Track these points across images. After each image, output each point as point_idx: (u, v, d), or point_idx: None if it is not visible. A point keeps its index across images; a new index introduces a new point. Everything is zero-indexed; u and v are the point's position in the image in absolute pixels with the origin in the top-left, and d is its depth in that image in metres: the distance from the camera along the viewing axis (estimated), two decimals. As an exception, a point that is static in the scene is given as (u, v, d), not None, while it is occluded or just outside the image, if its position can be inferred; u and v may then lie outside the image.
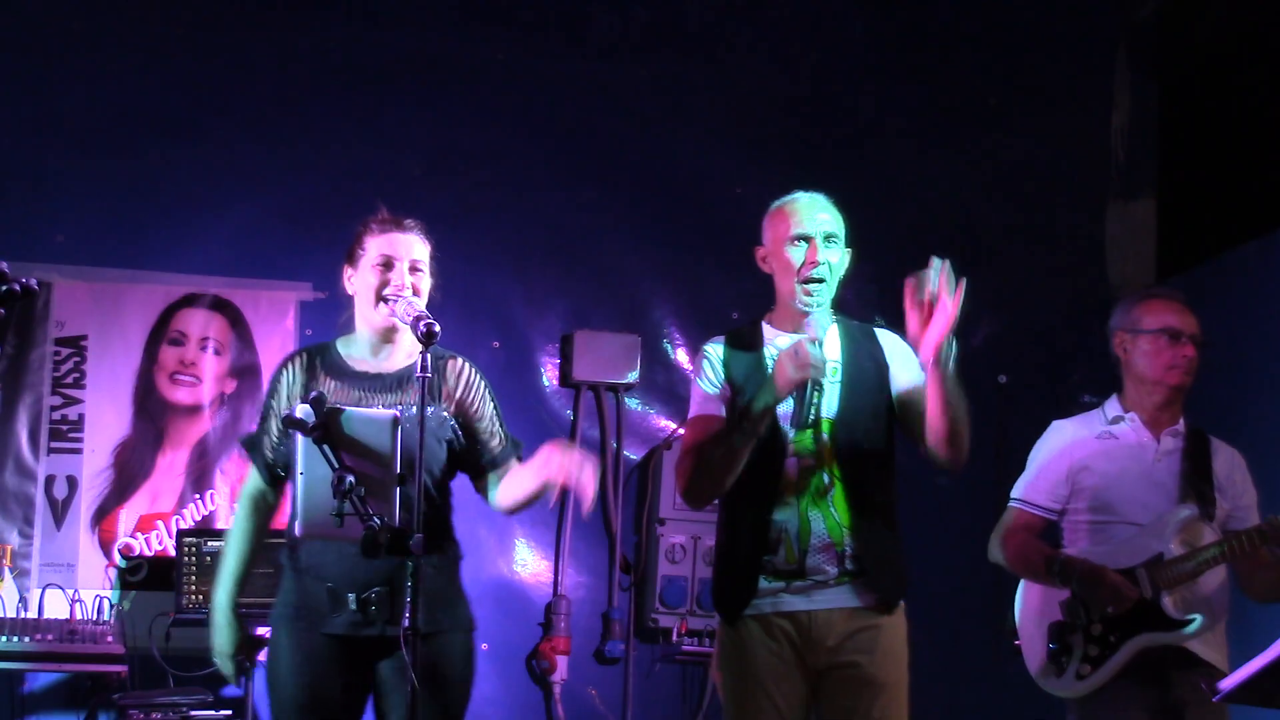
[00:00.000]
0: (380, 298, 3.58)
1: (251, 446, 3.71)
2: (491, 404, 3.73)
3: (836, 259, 3.65)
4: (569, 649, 5.79)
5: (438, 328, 3.34)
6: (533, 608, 5.84)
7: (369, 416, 3.38)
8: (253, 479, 3.71)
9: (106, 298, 5.58)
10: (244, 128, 5.69)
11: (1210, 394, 4.97)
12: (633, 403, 6.05)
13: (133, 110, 5.61)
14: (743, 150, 6.16)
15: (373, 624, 3.50)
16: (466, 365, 3.72)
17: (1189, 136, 6.16)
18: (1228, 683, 3.30)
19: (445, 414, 3.65)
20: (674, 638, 5.76)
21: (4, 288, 2.73)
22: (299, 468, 3.32)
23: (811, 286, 3.61)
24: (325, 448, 3.26)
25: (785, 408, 3.55)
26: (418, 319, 3.38)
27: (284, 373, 3.68)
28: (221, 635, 3.64)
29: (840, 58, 6.22)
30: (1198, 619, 3.94)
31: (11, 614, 5.16)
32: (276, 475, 3.67)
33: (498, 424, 3.74)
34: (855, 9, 6.26)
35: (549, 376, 6.02)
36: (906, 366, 3.65)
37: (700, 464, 3.59)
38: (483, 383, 3.73)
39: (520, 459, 3.73)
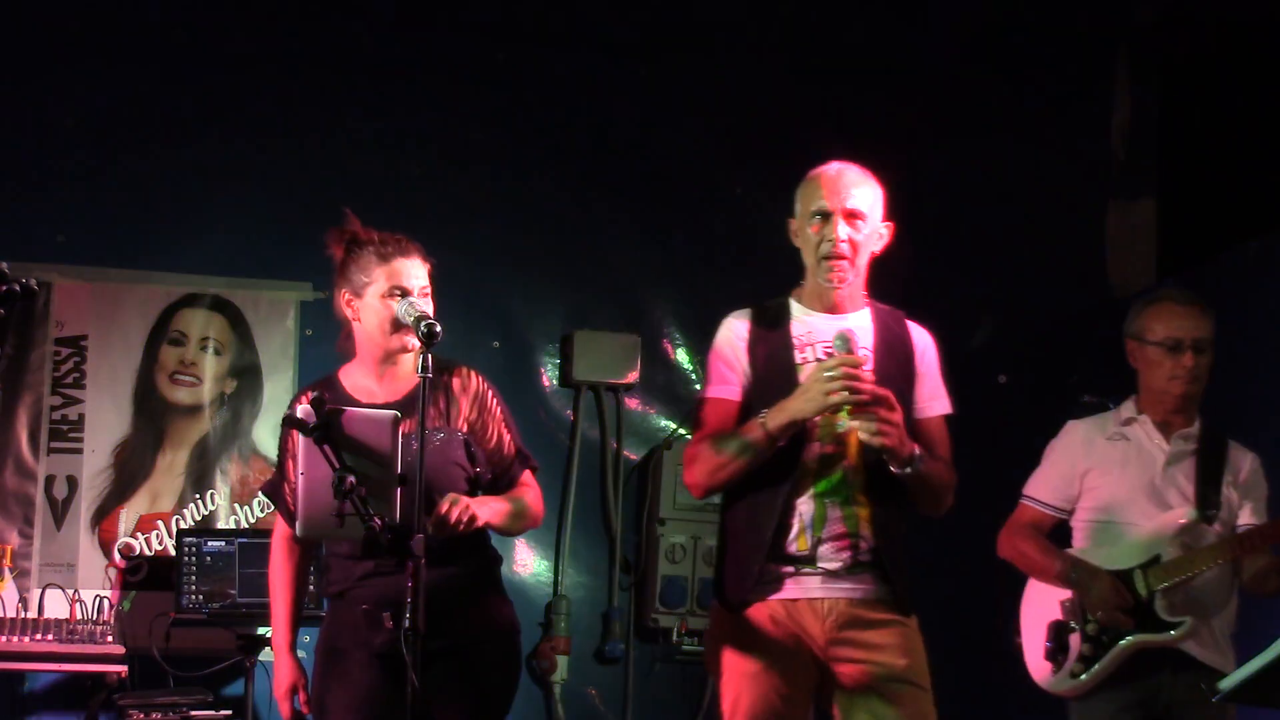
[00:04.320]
0: (396, 328, 3.54)
1: (274, 494, 3.71)
2: (502, 422, 3.69)
3: (862, 235, 3.54)
4: (569, 649, 5.80)
5: (439, 328, 3.34)
6: (533, 608, 5.85)
7: (369, 416, 3.37)
8: (282, 525, 3.71)
9: (106, 298, 5.57)
10: (244, 128, 5.69)
11: (1209, 394, 4.97)
12: (632, 403, 6.05)
13: (133, 110, 5.61)
14: (743, 150, 6.16)
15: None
16: (475, 378, 3.69)
17: (1189, 136, 6.16)
18: (1228, 683, 3.30)
19: (460, 432, 3.63)
20: (674, 638, 5.77)
21: (4, 288, 2.73)
22: (299, 468, 3.32)
23: (832, 264, 3.51)
24: (325, 448, 3.26)
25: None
26: (419, 319, 3.39)
27: None
28: (281, 675, 3.68)
29: (840, 58, 6.22)
30: (1186, 621, 3.95)
31: (11, 614, 5.16)
32: None
33: (507, 445, 3.71)
34: (855, 9, 6.26)
35: (549, 376, 6.02)
36: (928, 383, 3.59)
37: (708, 460, 3.50)
38: (490, 396, 3.69)
39: (525, 476, 3.74)
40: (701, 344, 6.15)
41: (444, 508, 3.40)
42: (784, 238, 6.19)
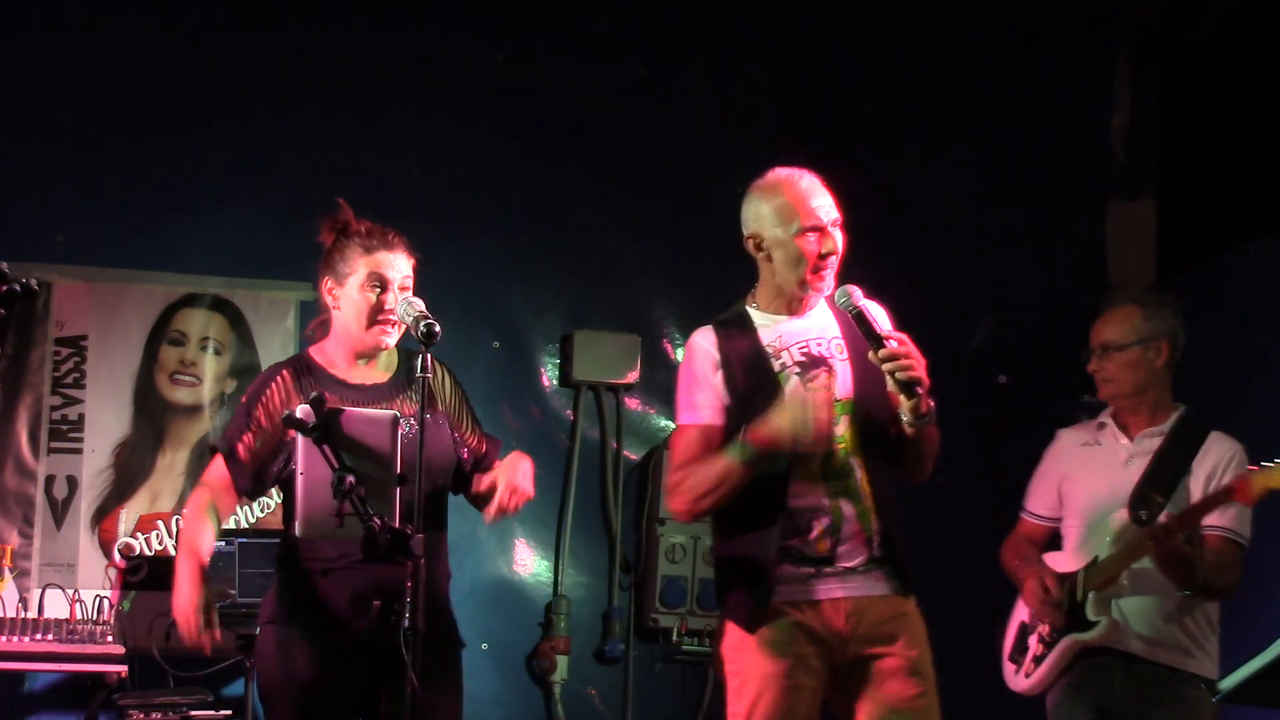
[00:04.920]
0: (373, 321, 3.57)
1: (228, 443, 3.58)
2: (469, 408, 3.74)
3: (842, 244, 3.58)
4: (569, 649, 5.80)
5: (438, 328, 3.34)
6: (533, 608, 5.85)
7: (369, 416, 3.38)
8: (221, 473, 3.57)
9: (106, 298, 5.57)
10: (244, 128, 5.69)
11: (1209, 394, 4.98)
12: (633, 403, 6.05)
13: (133, 110, 5.61)
14: (742, 150, 6.15)
15: (393, 629, 3.47)
16: (445, 371, 3.73)
17: (1189, 136, 6.16)
18: (1228, 683, 3.30)
19: (447, 417, 3.66)
20: (674, 638, 5.77)
21: (4, 288, 2.73)
22: (299, 468, 3.31)
23: (824, 273, 3.55)
24: (325, 448, 3.26)
25: (794, 387, 3.48)
26: (418, 319, 3.39)
27: (274, 383, 3.61)
28: (191, 594, 3.45)
29: (840, 58, 6.22)
30: (1101, 621, 4.00)
31: (11, 614, 5.16)
32: (252, 481, 3.56)
33: (478, 430, 3.74)
34: (855, 10, 6.26)
35: (549, 376, 6.02)
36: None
37: (690, 491, 3.48)
38: (460, 388, 3.75)
39: (497, 459, 3.73)
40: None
41: (506, 499, 3.46)
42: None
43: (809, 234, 3.55)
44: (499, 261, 5.92)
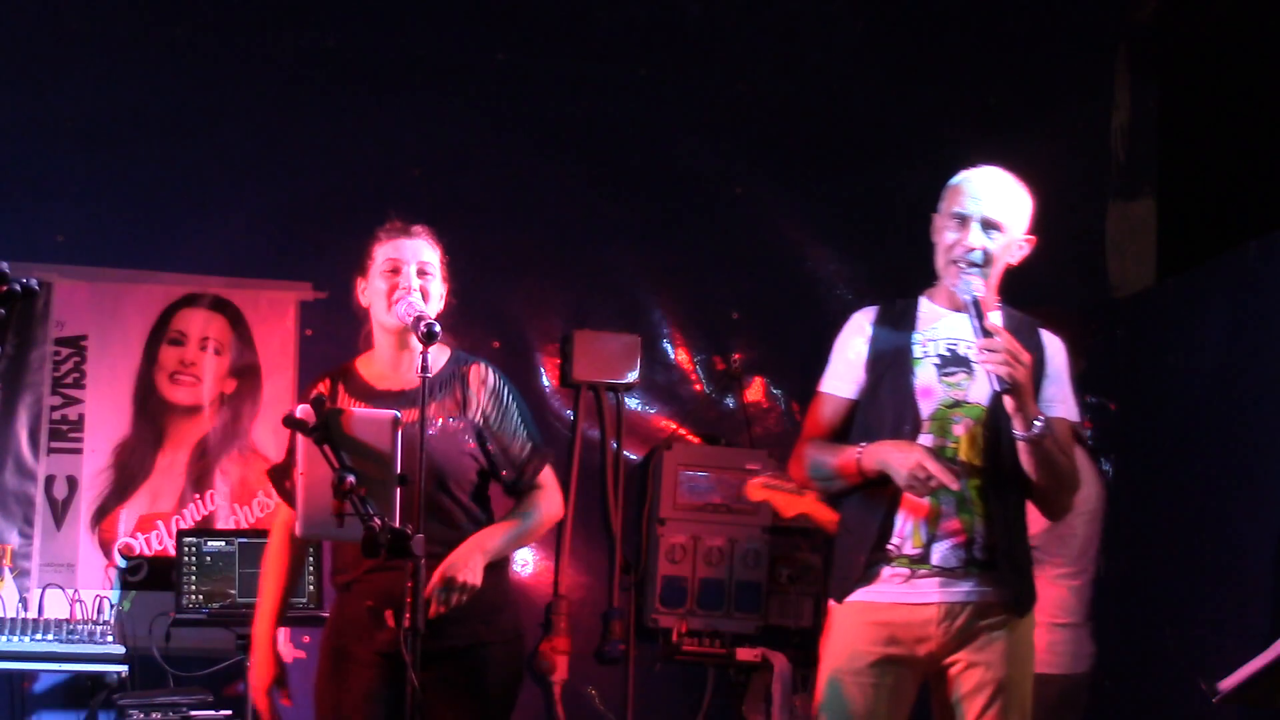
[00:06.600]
0: (391, 302, 3.59)
1: (279, 477, 3.69)
2: (516, 416, 3.69)
3: (997, 245, 3.50)
4: (569, 649, 5.80)
5: (437, 327, 3.35)
6: (533, 608, 5.84)
7: (369, 416, 3.38)
8: (285, 512, 3.70)
9: (106, 298, 5.57)
10: (244, 128, 5.69)
11: (1208, 395, 4.97)
12: (633, 403, 6.05)
13: (132, 110, 5.61)
14: (743, 150, 6.16)
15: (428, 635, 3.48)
16: (490, 372, 3.70)
17: (1189, 136, 6.16)
18: (1228, 683, 3.29)
19: (474, 423, 3.64)
20: (674, 638, 5.77)
21: (4, 288, 2.72)
22: (299, 468, 3.32)
23: (961, 268, 3.48)
24: (325, 448, 3.26)
25: (927, 376, 3.47)
26: (418, 319, 3.40)
27: (312, 391, 3.65)
28: (260, 671, 3.67)
29: (840, 58, 6.22)
30: None
31: (11, 614, 5.15)
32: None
33: (523, 443, 3.69)
34: (855, 9, 6.26)
35: (549, 376, 6.01)
36: (1052, 386, 3.52)
37: (805, 471, 3.54)
38: (507, 392, 3.70)
39: (542, 475, 3.71)
40: (701, 344, 6.16)
41: (435, 605, 3.39)
42: (785, 238, 6.24)
43: (952, 222, 3.51)
44: (499, 261, 5.92)
